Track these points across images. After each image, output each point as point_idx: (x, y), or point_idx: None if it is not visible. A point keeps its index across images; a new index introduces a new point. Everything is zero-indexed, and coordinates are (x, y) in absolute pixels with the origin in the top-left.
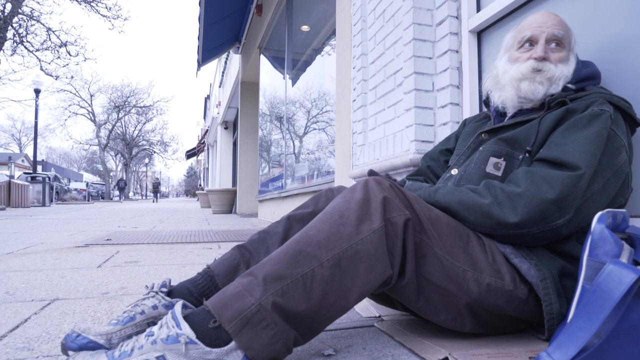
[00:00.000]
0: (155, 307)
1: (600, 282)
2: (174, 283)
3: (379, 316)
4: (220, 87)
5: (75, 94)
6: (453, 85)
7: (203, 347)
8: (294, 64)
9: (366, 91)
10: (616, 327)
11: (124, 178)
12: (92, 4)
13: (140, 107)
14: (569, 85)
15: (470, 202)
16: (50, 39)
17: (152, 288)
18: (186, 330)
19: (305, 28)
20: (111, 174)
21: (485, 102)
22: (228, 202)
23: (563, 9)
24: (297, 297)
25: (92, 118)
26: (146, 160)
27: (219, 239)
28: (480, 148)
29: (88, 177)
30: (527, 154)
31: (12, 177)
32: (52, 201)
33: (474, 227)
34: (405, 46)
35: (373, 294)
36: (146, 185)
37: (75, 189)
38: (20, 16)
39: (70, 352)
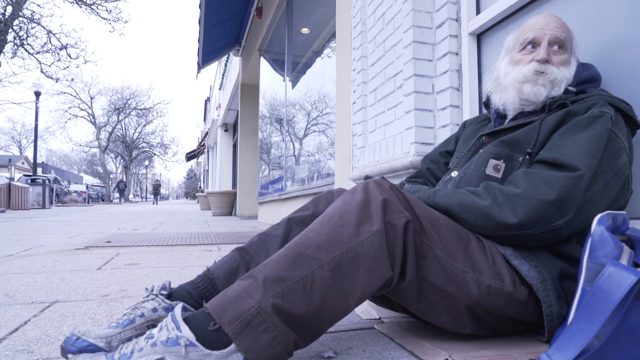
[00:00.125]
0: (155, 309)
1: (601, 284)
2: (174, 285)
3: (379, 318)
4: (220, 89)
5: (75, 97)
6: (453, 87)
7: (203, 350)
8: (294, 66)
9: (366, 93)
10: (616, 329)
11: (124, 179)
12: (92, 6)
13: (141, 110)
14: (570, 88)
15: (469, 203)
16: (50, 42)
17: (152, 291)
18: (186, 332)
19: (305, 30)
20: (111, 176)
21: (485, 103)
22: (228, 204)
23: (563, 11)
24: (297, 299)
25: (92, 120)
26: (146, 163)
27: (218, 241)
28: (481, 150)
29: (88, 179)
30: (527, 156)
31: (12, 179)
32: (52, 203)
33: (473, 229)
34: (405, 49)
35: (373, 296)
36: (146, 187)
37: (75, 191)
38: (20, 19)
39: (69, 355)
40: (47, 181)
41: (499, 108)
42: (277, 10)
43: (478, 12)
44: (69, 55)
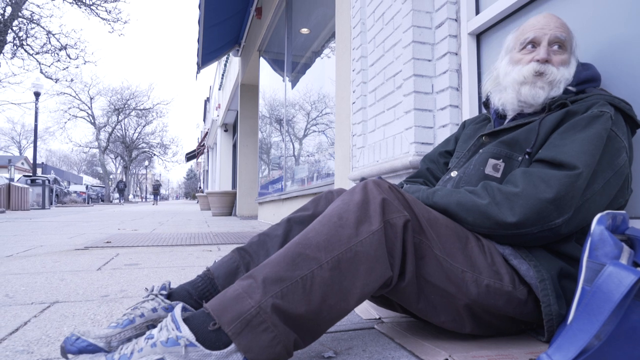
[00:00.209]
0: (154, 309)
1: (600, 283)
2: (174, 285)
3: (379, 318)
4: (220, 89)
5: (75, 97)
6: (452, 87)
7: (203, 350)
8: (294, 66)
9: (366, 93)
10: (616, 328)
11: (124, 180)
12: (92, 7)
13: (140, 110)
14: (570, 88)
15: (468, 203)
16: (50, 42)
17: (152, 291)
18: (186, 332)
19: (304, 31)
20: (111, 176)
21: (484, 103)
22: (228, 205)
23: (563, 11)
24: (297, 299)
25: (92, 121)
26: (146, 163)
27: (218, 241)
28: (480, 150)
29: (88, 179)
30: (526, 156)
31: (11, 179)
32: (51, 204)
33: (472, 228)
34: (404, 49)
35: (373, 296)
36: (146, 187)
37: (75, 192)
38: (20, 19)
39: (69, 355)
40: (46, 182)
41: (498, 108)
42: (277, 10)
43: (477, 12)
44: (69, 56)
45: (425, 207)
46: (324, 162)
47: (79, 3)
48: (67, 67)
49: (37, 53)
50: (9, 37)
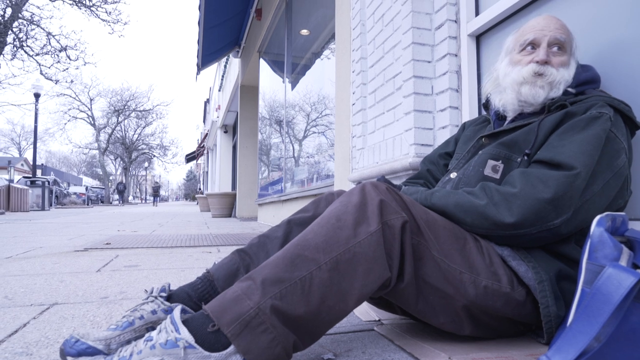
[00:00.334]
0: (154, 312)
1: (600, 285)
2: (174, 287)
3: (379, 320)
4: (219, 90)
5: (75, 98)
6: (452, 88)
7: (202, 352)
8: (294, 67)
9: (365, 95)
10: (616, 330)
11: (123, 181)
12: (92, 8)
13: (140, 111)
14: (569, 89)
15: (466, 203)
16: (50, 44)
17: (152, 293)
18: (185, 334)
19: (304, 32)
20: (111, 177)
21: (484, 105)
22: (227, 206)
23: (562, 13)
24: (296, 300)
25: (92, 122)
26: (146, 164)
27: (218, 242)
28: (480, 152)
29: (87, 181)
30: (525, 157)
31: (11, 181)
32: (51, 205)
33: (471, 229)
34: (404, 50)
35: (372, 297)
36: (145, 189)
37: (75, 193)
38: (20, 21)
39: (68, 358)
40: (46, 183)
41: (498, 109)
42: (277, 11)
43: (477, 13)
44: (69, 57)
45: (423, 209)
46: (323, 164)
47: (79, 4)
48: (67, 69)
49: (37, 54)
50: (9, 39)
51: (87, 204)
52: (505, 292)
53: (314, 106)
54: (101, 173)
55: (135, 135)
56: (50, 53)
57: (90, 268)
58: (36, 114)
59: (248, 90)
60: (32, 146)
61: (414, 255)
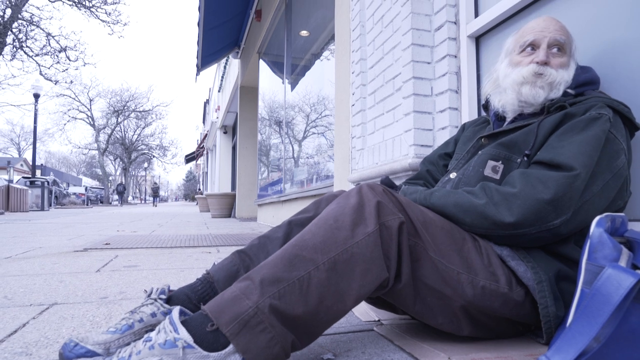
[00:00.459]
0: (154, 314)
1: (599, 286)
2: (173, 287)
3: (378, 320)
4: (219, 91)
5: (74, 99)
6: (452, 89)
7: (201, 352)
8: (293, 68)
9: (365, 96)
10: (615, 331)
11: (123, 182)
12: (91, 9)
13: (140, 112)
14: (569, 90)
15: (465, 203)
16: (49, 44)
17: (151, 294)
18: (184, 334)
19: (304, 33)
20: (110, 178)
21: (484, 106)
22: (227, 206)
23: (562, 14)
24: (294, 300)
25: (91, 122)
26: (145, 165)
27: (218, 243)
28: (479, 152)
29: (87, 181)
30: (525, 158)
31: (10, 181)
32: (50, 205)
33: (470, 229)
34: (403, 51)
35: (371, 298)
36: (145, 189)
37: (74, 193)
38: (20, 21)
39: None
40: (45, 183)
41: (498, 110)
42: (276, 12)
43: (477, 14)
44: (68, 58)
45: (419, 210)
46: (323, 164)
47: (79, 5)
48: (66, 69)
49: (37, 55)
50: (9, 39)
51: (87, 205)
52: (503, 293)
53: (313, 107)
54: (101, 173)
55: (135, 136)
56: (49, 54)
57: (90, 268)
58: (35, 115)
59: (248, 91)
60: (31, 146)
61: (412, 256)
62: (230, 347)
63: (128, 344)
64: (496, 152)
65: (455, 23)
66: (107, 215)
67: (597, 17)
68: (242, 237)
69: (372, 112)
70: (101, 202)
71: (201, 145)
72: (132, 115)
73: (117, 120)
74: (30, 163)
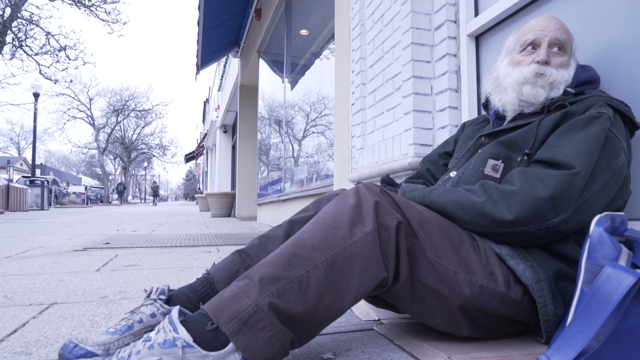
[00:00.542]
0: (153, 315)
1: (599, 285)
2: (173, 287)
3: (378, 320)
4: (219, 90)
5: (74, 98)
6: (451, 89)
7: (200, 351)
8: (293, 67)
9: (365, 95)
10: (615, 330)
11: (123, 182)
12: (91, 8)
13: (139, 111)
14: (569, 89)
15: (464, 201)
16: (49, 43)
17: (151, 294)
18: (183, 334)
19: (304, 32)
20: (110, 177)
21: (484, 105)
22: (227, 206)
23: (562, 13)
24: (293, 298)
25: (91, 122)
26: (145, 164)
27: (217, 242)
28: (479, 150)
29: (87, 180)
30: (525, 157)
31: (10, 180)
32: (50, 205)
33: (469, 227)
34: (403, 50)
35: (370, 297)
36: (145, 188)
37: (74, 193)
38: (19, 20)
39: None
40: (45, 182)
41: (498, 109)
42: (276, 11)
43: (477, 13)
44: (68, 57)
45: (416, 210)
46: (323, 164)
47: (79, 4)
48: (66, 68)
49: (37, 54)
50: (8, 38)
51: (87, 204)
52: (501, 292)
53: (313, 106)
54: (100, 173)
55: (135, 135)
56: (49, 53)
57: (90, 267)
58: (35, 114)
59: (247, 90)
60: (31, 146)
61: (409, 256)
62: (230, 346)
63: (128, 344)
64: (496, 150)
65: (455, 22)
66: (107, 214)
67: (597, 16)
68: (242, 237)
69: (372, 111)
70: (101, 202)
71: (201, 145)
72: (132, 114)
73: (116, 120)
74: (30, 162)
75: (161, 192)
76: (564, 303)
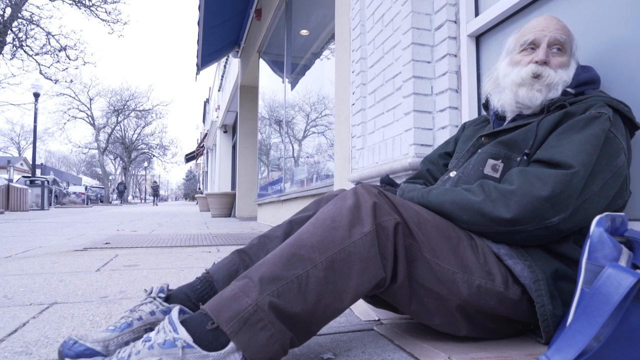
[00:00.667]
0: (152, 312)
1: (599, 285)
2: (173, 287)
3: (378, 320)
4: (219, 90)
5: (74, 98)
6: (452, 89)
7: (200, 351)
8: (293, 67)
9: (365, 95)
10: (615, 330)
11: (124, 181)
12: (91, 8)
13: (140, 111)
14: (569, 90)
15: (462, 200)
16: (49, 43)
17: (151, 293)
18: (183, 334)
19: (304, 32)
20: (110, 177)
21: (484, 105)
22: (227, 206)
23: (562, 13)
24: (293, 298)
25: (92, 122)
26: (145, 164)
27: (218, 242)
28: (479, 150)
29: (87, 180)
30: (525, 157)
31: (10, 180)
32: (51, 205)
33: (467, 227)
34: (404, 50)
35: (370, 297)
36: (145, 188)
37: (74, 193)
38: (20, 20)
39: None
40: (45, 182)
41: (497, 109)
42: (276, 12)
43: (477, 14)
44: (68, 57)
45: (414, 211)
46: (323, 164)
47: (79, 4)
48: (66, 68)
49: (37, 54)
50: (9, 38)
51: (87, 204)
52: (499, 291)
53: (313, 106)
54: (101, 173)
55: (135, 135)
56: (49, 53)
57: (90, 267)
58: (35, 114)
59: (248, 90)
60: (31, 146)
61: (407, 257)
62: (230, 346)
63: (127, 342)
64: (496, 150)
65: (455, 22)
66: (107, 214)
67: (598, 16)
68: (242, 237)
69: (372, 111)
70: (101, 202)
71: (201, 145)
72: (132, 114)
73: (117, 120)
74: (30, 162)
75: (161, 192)
76: (563, 303)
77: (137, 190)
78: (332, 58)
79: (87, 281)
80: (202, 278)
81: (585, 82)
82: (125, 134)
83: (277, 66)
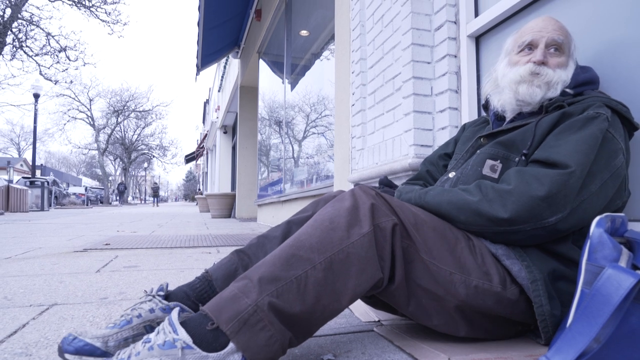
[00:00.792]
0: (152, 310)
1: (599, 286)
2: (173, 287)
3: (379, 321)
4: (219, 91)
5: (74, 99)
6: (452, 89)
7: (199, 352)
8: (293, 68)
9: (365, 95)
10: (615, 331)
11: (124, 182)
12: (91, 9)
13: (140, 112)
14: (567, 90)
15: (459, 201)
16: (49, 44)
17: (151, 293)
18: (183, 335)
19: (304, 33)
20: (110, 178)
21: (484, 106)
22: (227, 207)
23: (561, 13)
24: (292, 298)
25: (91, 122)
26: (145, 165)
27: (217, 243)
28: (478, 151)
29: (87, 181)
30: (523, 157)
31: (10, 181)
32: (50, 206)
33: (465, 227)
34: (403, 51)
35: (370, 298)
36: (145, 189)
37: (74, 194)
38: (19, 21)
39: (66, 355)
40: (45, 183)
41: (497, 110)
42: (276, 12)
43: (477, 14)
44: (68, 58)
45: (411, 212)
46: (323, 164)
47: (79, 5)
48: (66, 69)
49: (37, 55)
50: (9, 39)
51: (87, 205)
52: (496, 292)
53: (313, 107)
54: (100, 173)
55: (135, 136)
56: (49, 53)
57: (90, 269)
58: (35, 115)
59: (247, 91)
60: (31, 146)
61: (404, 258)
62: (230, 346)
63: (126, 338)
64: (494, 151)
65: (455, 23)
66: (107, 215)
67: (597, 17)
68: (242, 238)
69: (372, 112)
70: (101, 202)
71: (201, 145)
72: (132, 115)
73: (117, 120)
74: (30, 163)
75: (161, 193)
76: (561, 303)
77: (137, 191)
78: (332, 59)
79: (87, 282)
80: (202, 277)
81: (584, 82)
82: (125, 134)
83: (277, 67)
